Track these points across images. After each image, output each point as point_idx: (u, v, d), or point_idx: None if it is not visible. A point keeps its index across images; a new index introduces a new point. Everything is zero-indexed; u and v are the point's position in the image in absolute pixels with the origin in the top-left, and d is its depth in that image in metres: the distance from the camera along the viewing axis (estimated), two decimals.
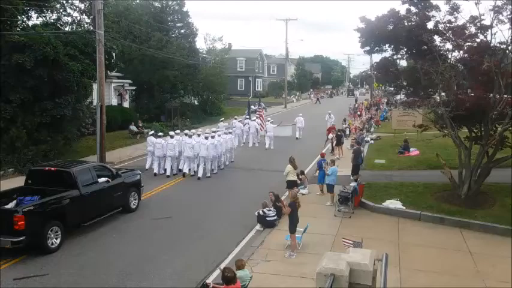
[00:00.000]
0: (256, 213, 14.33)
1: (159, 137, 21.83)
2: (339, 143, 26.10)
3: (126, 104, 39.53)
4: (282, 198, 15.26)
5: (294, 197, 12.57)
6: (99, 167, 15.78)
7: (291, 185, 16.93)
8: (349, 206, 15.37)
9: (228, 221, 15.03)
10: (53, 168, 14.22)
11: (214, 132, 22.70)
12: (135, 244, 13.04)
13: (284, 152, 23.78)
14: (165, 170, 21.13)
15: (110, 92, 36.00)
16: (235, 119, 32.14)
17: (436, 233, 13.79)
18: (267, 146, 28.88)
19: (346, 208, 15.36)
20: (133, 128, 32.50)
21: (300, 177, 18.20)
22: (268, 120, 31.13)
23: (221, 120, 32.09)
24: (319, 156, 20.16)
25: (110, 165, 18.38)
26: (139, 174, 17.00)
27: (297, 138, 32.90)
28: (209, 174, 21.12)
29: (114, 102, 37.75)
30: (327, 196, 17.01)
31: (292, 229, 12.10)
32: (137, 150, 26.82)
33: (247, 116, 33.64)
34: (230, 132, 25.46)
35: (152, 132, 23.24)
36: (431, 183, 18.05)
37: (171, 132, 22.62)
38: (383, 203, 15.92)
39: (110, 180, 14.98)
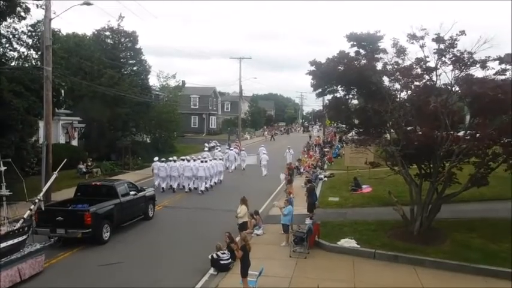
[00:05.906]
0: (209, 256, 13.86)
1: (163, 161, 27.66)
2: (290, 181, 26.06)
3: (74, 142, 38.20)
4: (237, 239, 14.85)
5: (245, 239, 12.32)
6: (129, 183, 20.07)
7: (244, 226, 16.59)
8: (305, 246, 15.11)
9: (181, 264, 14.41)
10: (98, 183, 19.48)
11: (204, 158, 29.40)
12: None
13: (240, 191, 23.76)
14: (170, 186, 27.43)
15: (57, 129, 34.77)
16: (217, 149, 40.02)
17: (391, 271, 13.73)
18: (242, 167, 38.09)
19: (302, 248, 15.10)
20: (82, 167, 31.23)
21: (255, 217, 17.87)
22: (243, 150, 41.07)
23: (205, 150, 38.38)
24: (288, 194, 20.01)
25: None
26: (154, 190, 22.20)
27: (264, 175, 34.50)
28: (203, 188, 26.95)
29: (62, 140, 36.39)
30: (281, 236, 16.71)
31: (244, 273, 11.75)
32: None
33: (227, 147, 42.58)
34: (215, 159, 31.23)
35: (157, 158, 28.60)
36: (384, 220, 18.16)
37: (172, 158, 28.55)
38: (338, 242, 15.81)
39: (137, 193, 19.28)
